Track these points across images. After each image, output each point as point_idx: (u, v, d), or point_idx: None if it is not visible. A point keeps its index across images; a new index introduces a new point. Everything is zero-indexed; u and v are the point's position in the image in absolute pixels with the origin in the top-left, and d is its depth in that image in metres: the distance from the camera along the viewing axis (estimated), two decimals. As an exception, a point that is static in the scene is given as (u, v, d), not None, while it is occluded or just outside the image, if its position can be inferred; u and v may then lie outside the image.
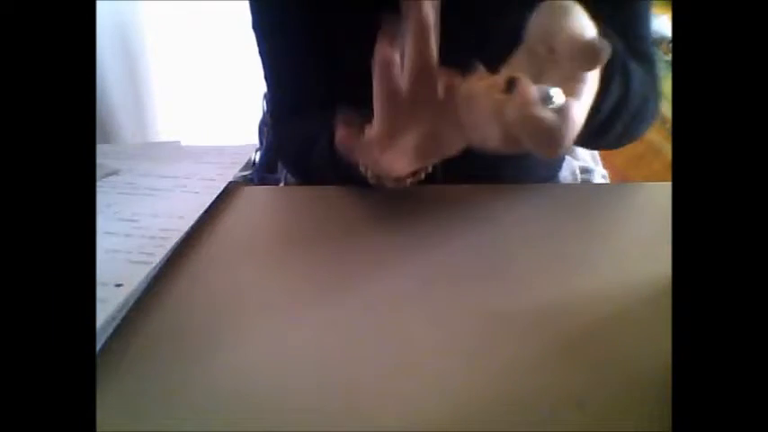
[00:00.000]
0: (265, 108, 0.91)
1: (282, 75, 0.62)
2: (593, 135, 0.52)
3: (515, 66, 0.35)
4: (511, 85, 0.31)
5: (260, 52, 0.61)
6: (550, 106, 0.29)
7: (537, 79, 0.31)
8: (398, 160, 0.41)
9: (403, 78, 0.36)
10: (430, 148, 0.41)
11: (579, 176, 0.79)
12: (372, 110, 0.39)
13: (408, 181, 0.47)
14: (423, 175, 0.47)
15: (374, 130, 0.39)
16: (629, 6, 0.49)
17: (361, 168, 0.46)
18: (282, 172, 0.84)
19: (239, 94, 1.34)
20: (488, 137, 0.33)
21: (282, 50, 0.60)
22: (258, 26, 0.60)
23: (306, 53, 0.59)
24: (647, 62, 0.55)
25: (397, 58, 0.36)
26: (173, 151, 0.66)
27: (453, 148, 0.41)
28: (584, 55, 0.28)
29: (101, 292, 0.39)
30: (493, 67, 0.36)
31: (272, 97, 0.65)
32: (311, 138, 0.56)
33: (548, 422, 0.31)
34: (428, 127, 0.39)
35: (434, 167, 0.62)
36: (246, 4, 0.60)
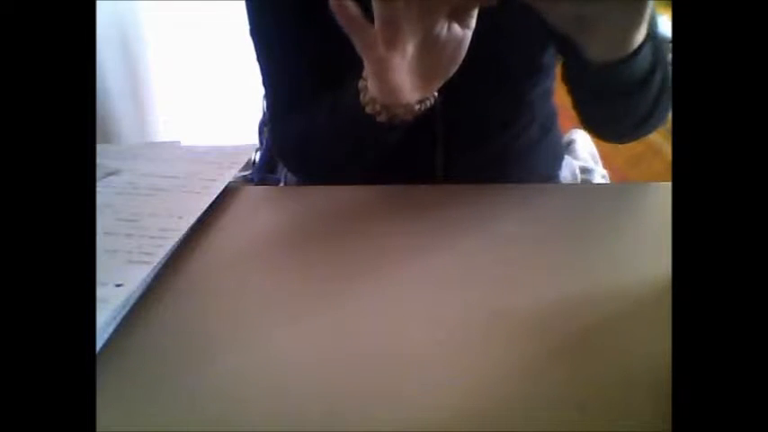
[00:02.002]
0: (264, 111, 0.91)
1: (281, 79, 0.62)
2: (646, 115, 0.54)
3: None
4: None
5: (258, 58, 0.62)
6: None
7: None
8: (406, 83, 0.46)
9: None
10: (427, 59, 0.45)
11: (579, 176, 0.79)
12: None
13: (417, 108, 0.50)
14: (432, 100, 0.51)
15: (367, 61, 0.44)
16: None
17: (370, 106, 0.49)
18: (282, 172, 0.84)
19: (239, 94, 1.34)
20: None
21: (280, 55, 0.60)
22: (256, 32, 0.60)
23: (303, 56, 0.59)
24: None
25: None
26: (173, 151, 0.66)
27: (452, 56, 0.45)
28: None
29: (101, 292, 0.39)
30: None
31: (271, 101, 0.65)
32: (318, 121, 0.57)
33: (548, 422, 0.31)
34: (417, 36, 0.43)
35: (435, 162, 0.63)
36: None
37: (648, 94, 0.51)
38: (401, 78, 0.46)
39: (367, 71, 0.47)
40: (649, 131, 0.59)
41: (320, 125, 0.57)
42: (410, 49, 0.44)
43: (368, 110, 0.49)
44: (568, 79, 0.57)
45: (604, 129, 0.62)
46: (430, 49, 0.45)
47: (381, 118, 0.49)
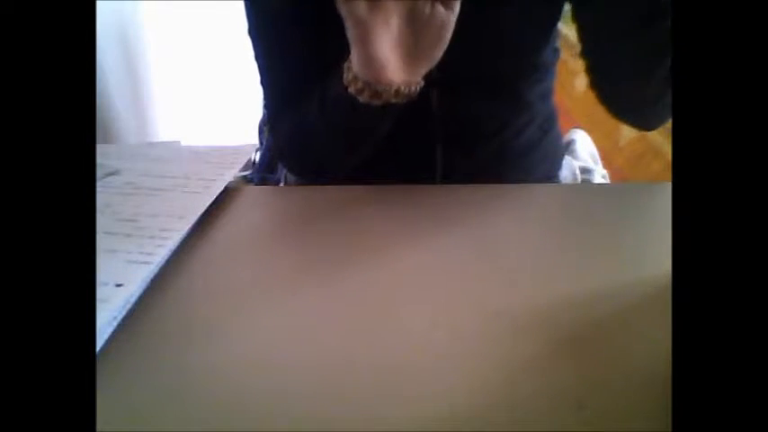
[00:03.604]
0: (264, 111, 0.92)
1: (279, 77, 0.62)
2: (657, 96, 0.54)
3: None
4: None
5: (256, 56, 0.62)
6: None
7: None
8: (390, 60, 0.46)
9: None
10: (410, 38, 0.46)
11: (579, 176, 0.79)
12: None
13: (405, 90, 0.49)
14: (417, 88, 0.50)
15: (352, 38, 0.45)
16: None
17: (353, 85, 0.49)
18: (282, 172, 0.84)
19: (239, 94, 1.34)
20: None
21: (279, 53, 0.60)
22: (254, 30, 0.60)
23: (302, 54, 0.59)
24: None
25: None
26: (173, 151, 0.66)
27: (437, 38, 0.46)
28: None
29: (101, 292, 0.39)
30: None
31: (270, 100, 0.65)
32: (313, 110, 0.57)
33: (547, 422, 0.31)
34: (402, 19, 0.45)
35: (435, 163, 0.63)
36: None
37: (658, 28, 0.50)
38: (384, 52, 0.46)
39: (350, 40, 0.47)
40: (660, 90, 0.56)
41: (311, 118, 0.57)
42: (394, 21, 0.45)
43: (351, 90, 0.49)
44: (577, 19, 0.57)
45: (621, 89, 0.60)
46: (413, 26, 0.45)
47: (364, 97, 0.49)
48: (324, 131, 0.56)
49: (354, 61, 0.48)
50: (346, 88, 0.49)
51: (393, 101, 0.50)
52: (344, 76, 0.49)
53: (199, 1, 1.27)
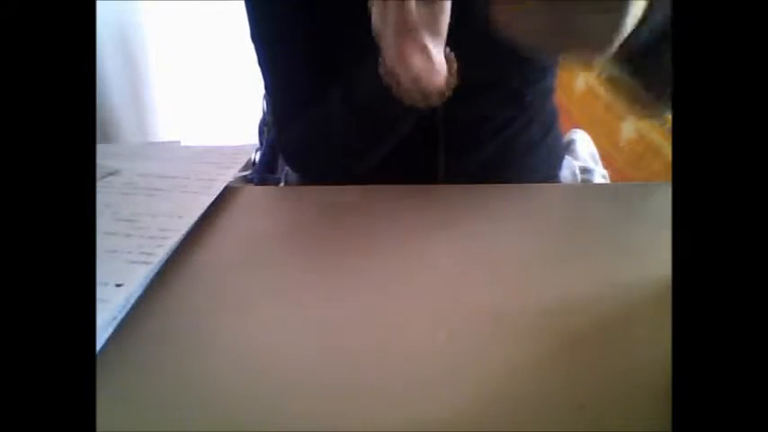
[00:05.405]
0: (267, 113, 0.91)
1: (286, 82, 0.62)
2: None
3: None
4: None
5: (259, 62, 0.62)
6: None
7: None
8: (431, 62, 0.48)
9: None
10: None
11: (579, 176, 0.79)
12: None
13: (445, 90, 0.51)
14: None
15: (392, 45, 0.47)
16: None
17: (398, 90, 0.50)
18: (282, 172, 0.84)
19: (239, 94, 1.34)
20: None
21: (284, 56, 0.60)
22: (258, 37, 0.60)
23: (309, 56, 0.59)
24: None
25: None
26: (173, 151, 0.66)
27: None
28: None
29: (101, 292, 0.39)
30: None
31: (276, 105, 0.65)
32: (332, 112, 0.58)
33: (548, 422, 0.31)
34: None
35: (437, 164, 0.63)
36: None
37: None
38: (430, 56, 0.47)
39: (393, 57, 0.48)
40: None
41: (334, 114, 0.56)
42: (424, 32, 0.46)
43: (386, 80, 0.50)
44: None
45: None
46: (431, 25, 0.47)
47: (398, 92, 0.50)
48: (347, 126, 0.56)
49: (402, 75, 0.49)
50: (380, 78, 0.50)
51: (434, 99, 0.51)
52: (381, 68, 0.50)
53: (199, 1, 1.27)
